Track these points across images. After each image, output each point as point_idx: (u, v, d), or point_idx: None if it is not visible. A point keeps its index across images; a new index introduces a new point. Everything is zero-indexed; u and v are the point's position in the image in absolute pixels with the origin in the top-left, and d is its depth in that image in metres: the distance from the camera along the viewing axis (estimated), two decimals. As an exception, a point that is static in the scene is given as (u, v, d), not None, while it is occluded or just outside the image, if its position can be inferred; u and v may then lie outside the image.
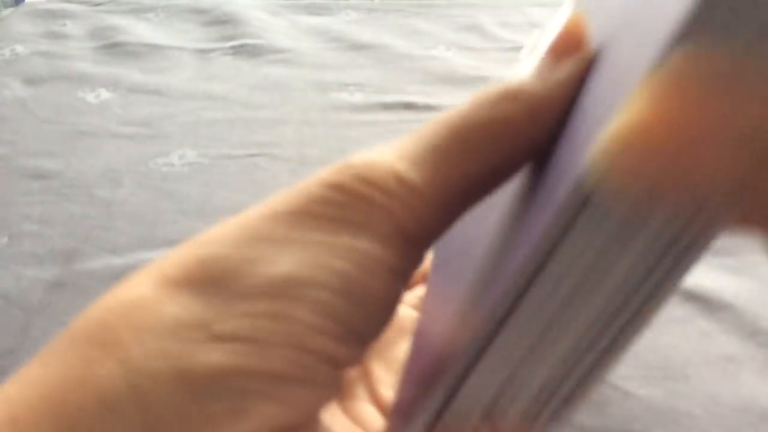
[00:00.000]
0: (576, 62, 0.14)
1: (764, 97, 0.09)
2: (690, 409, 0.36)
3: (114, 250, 0.47)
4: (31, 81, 0.70)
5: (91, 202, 0.52)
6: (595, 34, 0.15)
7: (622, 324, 0.13)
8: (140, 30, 0.81)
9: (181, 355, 0.13)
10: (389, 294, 0.15)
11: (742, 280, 0.43)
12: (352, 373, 0.22)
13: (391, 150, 0.15)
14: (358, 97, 0.68)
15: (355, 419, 0.21)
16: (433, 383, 0.15)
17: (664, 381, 0.37)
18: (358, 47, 0.78)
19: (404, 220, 0.14)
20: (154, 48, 0.77)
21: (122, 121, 0.63)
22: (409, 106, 0.65)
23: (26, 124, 0.62)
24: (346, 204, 0.14)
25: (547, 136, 0.14)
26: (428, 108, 0.65)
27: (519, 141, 0.14)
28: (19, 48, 0.76)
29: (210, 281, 0.14)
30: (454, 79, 0.70)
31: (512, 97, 0.14)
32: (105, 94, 0.68)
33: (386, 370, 0.22)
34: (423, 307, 0.21)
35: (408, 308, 0.26)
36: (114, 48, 0.77)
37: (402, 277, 0.15)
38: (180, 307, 0.14)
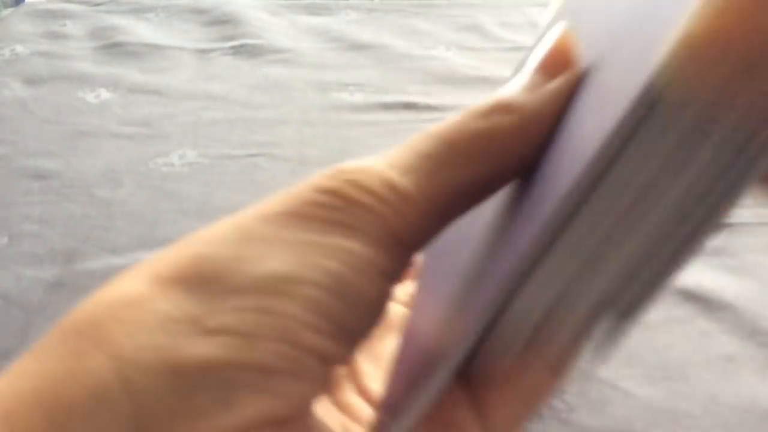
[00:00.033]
0: (566, 79, 0.15)
1: None
2: (690, 409, 0.36)
3: (114, 250, 0.47)
4: (31, 81, 0.70)
5: (91, 202, 0.52)
6: (583, 54, 0.15)
7: (685, 237, 0.12)
8: (140, 30, 0.81)
9: (171, 348, 0.13)
10: (379, 294, 0.15)
11: (742, 280, 0.43)
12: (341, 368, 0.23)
13: (383, 158, 0.16)
14: (358, 97, 0.68)
15: (344, 409, 0.21)
16: (422, 376, 0.15)
17: (664, 381, 0.37)
18: (358, 47, 0.78)
19: (396, 225, 0.15)
20: (154, 48, 0.77)
21: (122, 121, 0.63)
22: (409, 106, 0.65)
23: (26, 124, 0.62)
24: (338, 207, 0.15)
25: (535, 150, 0.15)
26: (428, 108, 0.65)
27: (509, 152, 0.15)
28: (19, 48, 0.77)
29: (201, 279, 0.14)
30: (454, 79, 0.70)
31: (503, 109, 0.15)
32: (105, 94, 0.68)
33: (373, 364, 0.22)
34: (413, 305, 0.21)
35: (396, 304, 0.26)
36: (114, 48, 0.77)
37: (392, 279, 0.15)
38: (171, 304, 0.14)
